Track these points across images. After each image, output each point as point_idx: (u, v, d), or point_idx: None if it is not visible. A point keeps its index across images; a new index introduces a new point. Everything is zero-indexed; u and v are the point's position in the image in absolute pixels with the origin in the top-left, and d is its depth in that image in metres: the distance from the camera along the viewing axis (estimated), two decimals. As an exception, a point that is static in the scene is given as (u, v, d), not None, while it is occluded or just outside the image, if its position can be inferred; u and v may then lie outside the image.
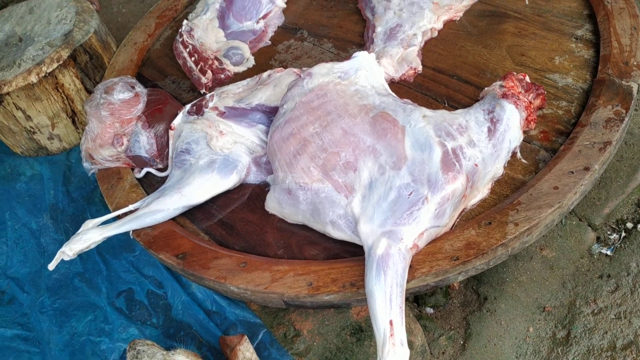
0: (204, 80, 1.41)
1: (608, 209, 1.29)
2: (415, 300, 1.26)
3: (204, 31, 1.48)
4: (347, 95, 1.13)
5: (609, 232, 1.28)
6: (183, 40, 1.46)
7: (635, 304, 1.14)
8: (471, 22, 1.33)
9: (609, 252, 1.24)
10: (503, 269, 1.24)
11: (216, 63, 1.43)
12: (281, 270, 1.02)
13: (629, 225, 1.27)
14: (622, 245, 1.24)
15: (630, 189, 1.30)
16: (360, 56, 1.19)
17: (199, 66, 1.42)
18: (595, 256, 1.24)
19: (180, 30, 1.48)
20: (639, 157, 1.33)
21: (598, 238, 1.27)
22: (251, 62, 1.46)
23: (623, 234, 1.26)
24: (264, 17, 1.52)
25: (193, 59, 1.43)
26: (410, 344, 1.09)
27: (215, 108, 1.24)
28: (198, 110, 1.25)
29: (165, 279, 1.23)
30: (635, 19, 1.17)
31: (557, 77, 1.17)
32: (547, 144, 1.07)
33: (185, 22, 1.49)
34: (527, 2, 1.32)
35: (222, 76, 1.42)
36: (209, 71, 1.42)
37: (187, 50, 1.44)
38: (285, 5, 1.54)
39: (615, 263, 1.22)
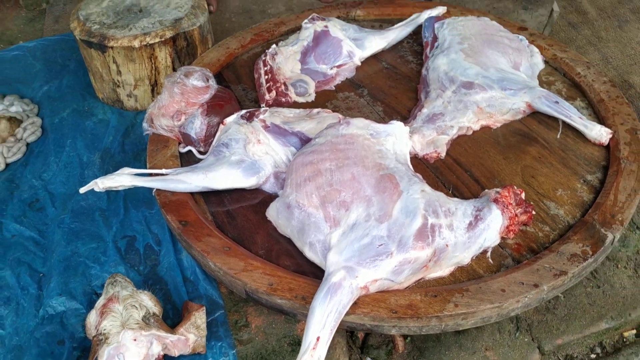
0: (267, 97, 1.62)
1: (562, 341, 1.37)
2: (360, 346, 1.38)
3: (285, 59, 1.70)
4: (370, 151, 1.29)
5: (553, 362, 1.36)
6: (265, 59, 1.68)
7: None
8: (504, 134, 1.48)
9: (545, 378, 1.32)
10: (446, 351, 1.34)
11: (283, 87, 1.64)
12: (254, 265, 1.18)
13: (575, 363, 1.35)
14: (560, 377, 1.32)
15: (589, 332, 1.38)
16: (396, 125, 1.36)
17: (268, 84, 1.63)
18: (531, 376, 1.33)
19: (267, 50, 1.70)
20: (608, 308, 1.41)
21: (542, 362, 1.36)
22: (312, 97, 1.66)
23: (566, 368, 1.34)
24: (339, 66, 1.72)
25: (266, 77, 1.65)
26: (333, 371, 1.21)
27: (264, 121, 1.44)
28: (250, 117, 1.45)
29: (164, 240, 1.41)
30: (639, 183, 1.29)
31: (552, 205, 1.30)
32: (516, 255, 1.20)
33: (274, 46, 1.71)
34: (558, 136, 1.46)
35: (283, 99, 1.63)
36: (274, 91, 1.63)
37: (265, 69, 1.66)
38: (360, 64, 1.74)
39: (546, 389, 1.30)
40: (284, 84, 1.66)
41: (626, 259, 1.51)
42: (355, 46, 1.74)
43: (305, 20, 1.75)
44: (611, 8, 2.19)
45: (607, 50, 2.00)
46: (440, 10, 1.82)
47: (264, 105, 1.61)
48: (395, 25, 1.82)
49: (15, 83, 1.97)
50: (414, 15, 1.83)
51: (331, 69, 1.72)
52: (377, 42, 1.77)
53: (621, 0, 2.22)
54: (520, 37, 1.73)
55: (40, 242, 1.47)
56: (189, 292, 1.30)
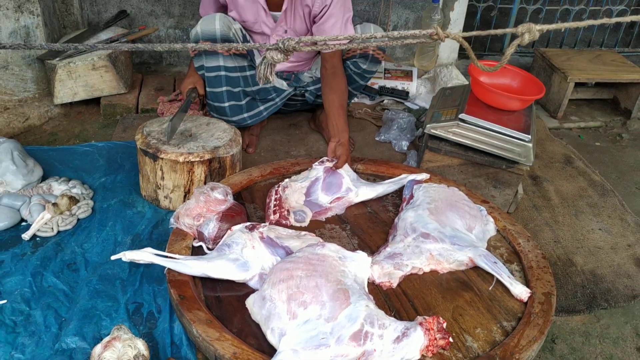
0: (271, 217, 2.05)
1: None
2: None
3: (293, 192, 2.15)
4: (335, 270, 1.67)
5: None
6: (277, 190, 2.13)
7: None
8: (447, 279, 1.84)
9: None
10: None
11: (285, 213, 2.07)
12: (226, 337, 1.53)
13: None
14: None
15: None
16: (360, 255, 1.76)
17: (274, 208, 2.07)
18: None
19: (280, 183, 2.15)
20: None
21: None
22: (306, 223, 2.08)
23: None
24: (336, 199, 2.15)
25: (274, 203, 2.09)
26: None
27: (262, 233, 1.85)
28: (251, 228, 1.86)
29: (164, 310, 1.77)
30: (540, 335, 1.61)
31: (469, 339, 1.62)
32: (430, 370, 1.51)
33: (287, 180, 2.17)
34: (490, 289, 1.81)
35: (283, 222, 2.05)
36: (278, 214, 2.06)
37: (275, 197, 2.10)
38: (353, 201, 2.17)
39: None
40: (287, 211, 2.10)
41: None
42: (353, 185, 2.19)
43: (316, 163, 2.22)
44: (572, 199, 2.62)
45: (560, 232, 2.40)
46: (423, 176, 2.28)
47: (267, 223, 2.03)
48: (385, 182, 2.28)
49: (80, 171, 2.47)
50: (402, 176, 2.29)
51: (330, 202, 2.15)
52: (368, 192, 2.22)
53: (582, 195, 2.65)
54: (481, 207, 2.15)
55: (69, 295, 1.84)
56: (173, 353, 1.64)
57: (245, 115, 2.67)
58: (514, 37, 1.19)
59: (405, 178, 2.28)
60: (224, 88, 2.54)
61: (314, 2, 2.42)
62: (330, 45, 1.56)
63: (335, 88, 2.50)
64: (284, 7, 2.47)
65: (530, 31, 1.08)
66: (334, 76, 2.50)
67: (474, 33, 1.15)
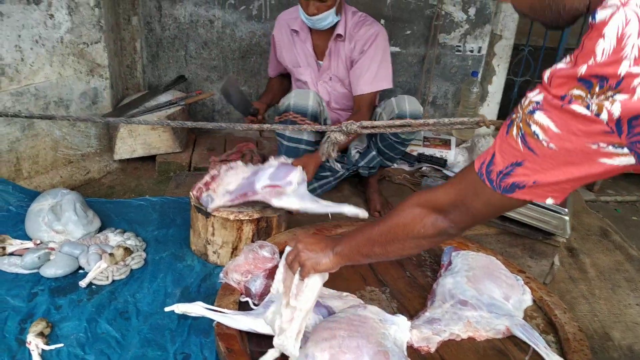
0: (194, 191, 2.14)
1: None
2: None
3: (235, 174, 2.29)
4: (375, 331, 1.75)
5: None
6: (221, 168, 2.27)
7: None
8: (483, 347, 1.89)
9: None
10: None
11: (203, 194, 2.23)
12: (270, 392, 1.60)
13: None
14: None
15: None
16: (401, 319, 1.83)
17: (202, 187, 2.20)
18: None
19: (232, 163, 2.23)
20: None
21: None
22: (209, 209, 2.26)
23: None
24: (271, 186, 2.23)
25: (207, 180, 2.26)
26: None
27: (305, 292, 1.94)
28: (296, 287, 1.96)
29: (210, 361, 1.87)
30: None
31: (506, 408, 1.66)
32: None
33: (239, 162, 2.28)
34: (526, 358, 1.85)
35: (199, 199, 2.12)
36: (199, 193, 2.21)
37: (213, 173, 2.26)
38: (284, 194, 2.22)
39: None
40: (207, 192, 2.26)
41: None
42: (297, 183, 2.24)
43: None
44: (609, 273, 2.64)
45: (596, 305, 2.42)
46: (360, 212, 2.28)
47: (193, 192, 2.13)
48: (324, 203, 2.31)
49: (134, 224, 2.63)
50: (340, 205, 2.31)
51: (263, 187, 2.23)
52: (306, 204, 2.27)
53: (619, 269, 2.68)
54: (518, 277, 2.20)
55: (121, 342, 1.95)
56: (218, 404, 1.72)
57: None
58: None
59: (342, 207, 2.28)
60: None
61: (355, 47, 2.67)
62: (385, 129, 1.67)
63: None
64: (327, 52, 2.73)
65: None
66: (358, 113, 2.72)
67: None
